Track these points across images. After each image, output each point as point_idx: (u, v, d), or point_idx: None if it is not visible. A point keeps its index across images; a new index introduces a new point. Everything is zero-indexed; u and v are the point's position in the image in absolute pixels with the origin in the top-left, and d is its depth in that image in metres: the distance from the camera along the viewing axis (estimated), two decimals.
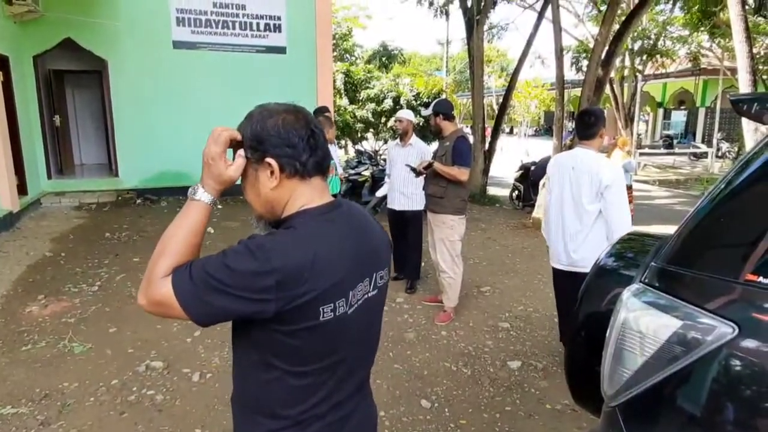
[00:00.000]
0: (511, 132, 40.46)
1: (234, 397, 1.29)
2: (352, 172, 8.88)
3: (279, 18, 10.21)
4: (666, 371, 1.23)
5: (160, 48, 9.56)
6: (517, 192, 10.36)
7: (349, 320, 1.15)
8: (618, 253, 1.97)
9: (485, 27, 12.10)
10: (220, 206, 8.24)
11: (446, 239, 4.39)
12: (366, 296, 1.20)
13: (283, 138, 1.12)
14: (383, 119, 14.12)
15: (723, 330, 1.15)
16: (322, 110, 6.04)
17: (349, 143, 15.97)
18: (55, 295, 4.80)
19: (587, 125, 3.39)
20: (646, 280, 1.38)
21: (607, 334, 1.38)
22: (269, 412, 1.17)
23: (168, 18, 9.54)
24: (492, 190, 11.77)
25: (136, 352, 3.78)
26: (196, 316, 1.04)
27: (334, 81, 13.28)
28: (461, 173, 4.22)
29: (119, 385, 3.33)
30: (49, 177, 9.35)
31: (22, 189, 8.00)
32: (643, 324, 1.29)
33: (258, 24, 10.10)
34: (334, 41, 13.95)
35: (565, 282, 3.54)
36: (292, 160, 1.13)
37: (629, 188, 8.03)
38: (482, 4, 10.80)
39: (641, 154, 18.75)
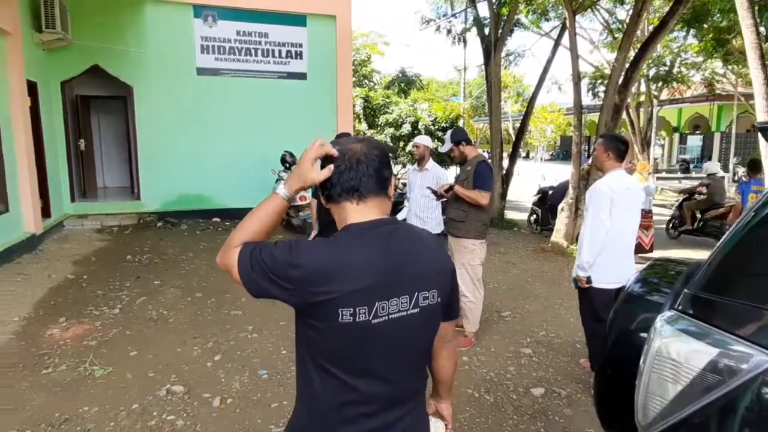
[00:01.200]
0: (527, 156, 40.49)
1: None
2: None
3: (300, 45, 10.44)
4: (702, 400, 1.20)
5: (185, 74, 9.82)
6: (535, 216, 10.32)
7: (375, 330, 1.22)
8: (644, 279, 1.96)
9: (502, 54, 12.21)
10: None
11: (467, 263, 4.37)
12: (403, 313, 1.26)
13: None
14: (402, 144, 14.23)
15: (760, 358, 1.13)
16: (342, 137, 6.10)
17: None
18: (77, 317, 4.83)
19: (624, 151, 3.71)
20: (680, 307, 1.36)
21: (641, 362, 1.36)
22: (305, 404, 1.32)
23: (193, 45, 9.82)
24: (509, 214, 11.74)
25: (156, 375, 3.77)
26: (247, 287, 1.24)
27: (354, 106, 13.45)
28: (482, 197, 4.22)
29: (140, 409, 3.31)
30: (73, 200, 9.54)
31: (45, 212, 8.16)
32: (677, 352, 1.27)
33: (280, 51, 10.33)
34: (354, 67, 14.17)
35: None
36: (322, 187, 1.33)
37: (649, 213, 7.93)
38: (499, 31, 10.92)
39: (659, 178, 18.61)
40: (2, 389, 3.51)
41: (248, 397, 3.51)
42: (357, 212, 1.29)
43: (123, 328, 4.62)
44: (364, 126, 14.90)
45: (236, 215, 9.68)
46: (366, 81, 18.82)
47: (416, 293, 1.27)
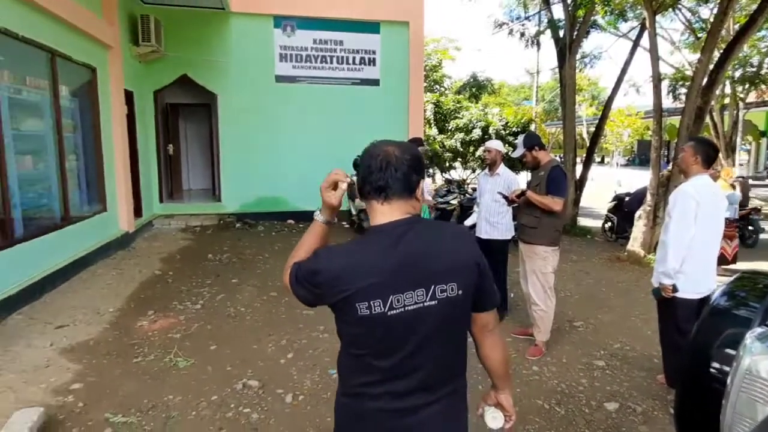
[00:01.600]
0: (602, 161, 38.95)
1: None
2: (441, 200, 8.96)
3: (374, 52, 10.65)
4: None
5: (264, 82, 10.29)
6: (610, 223, 9.94)
7: (393, 320, 1.32)
8: (731, 292, 1.88)
9: (577, 56, 11.85)
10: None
11: (539, 271, 4.29)
12: (420, 304, 1.34)
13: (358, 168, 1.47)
14: (471, 149, 14.12)
15: None
16: (415, 142, 6.13)
17: (438, 172, 16.12)
18: (163, 311, 5.16)
19: (714, 157, 3.61)
20: None
21: (728, 381, 1.31)
22: (341, 384, 1.48)
23: (272, 54, 10.28)
24: (583, 221, 11.37)
25: (234, 370, 3.96)
26: (299, 299, 1.44)
27: (424, 111, 13.50)
28: (555, 203, 4.13)
29: (219, 401, 3.49)
30: (161, 201, 10.21)
31: (137, 211, 8.79)
32: None
33: (354, 58, 10.59)
34: (425, 72, 14.22)
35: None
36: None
37: (733, 222, 7.46)
38: (575, 33, 10.63)
39: None
40: (101, 374, 3.82)
41: (319, 395, 3.60)
42: (381, 212, 1.40)
43: (204, 323, 4.88)
44: (434, 131, 14.91)
45: (309, 218, 9.83)
46: (437, 86, 18.80)
47: (433, 286, 1.34)
